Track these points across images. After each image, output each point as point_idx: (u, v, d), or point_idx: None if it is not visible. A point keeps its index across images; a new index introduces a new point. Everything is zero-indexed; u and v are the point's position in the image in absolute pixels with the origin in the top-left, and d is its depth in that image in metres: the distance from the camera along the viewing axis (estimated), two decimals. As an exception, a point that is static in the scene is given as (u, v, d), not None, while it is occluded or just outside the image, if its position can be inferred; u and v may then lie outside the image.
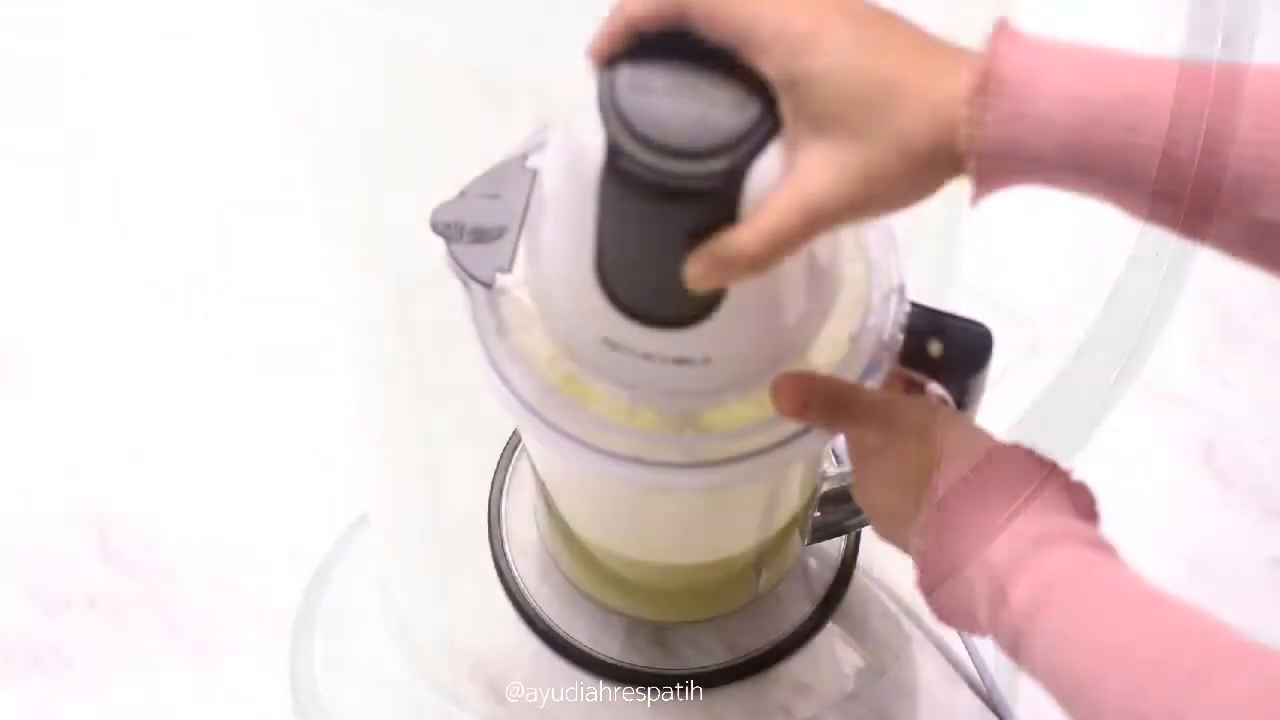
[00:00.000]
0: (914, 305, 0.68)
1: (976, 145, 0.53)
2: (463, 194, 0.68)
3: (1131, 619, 0.53)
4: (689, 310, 0.60)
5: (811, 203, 0.55)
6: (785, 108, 0.55)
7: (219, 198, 1.05)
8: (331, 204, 1.04)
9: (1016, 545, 0.56)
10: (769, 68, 0.54)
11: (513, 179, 0.68)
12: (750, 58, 0.55)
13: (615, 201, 0.56)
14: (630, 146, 0.55)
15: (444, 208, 0.68)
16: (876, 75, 0.54)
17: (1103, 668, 0.52)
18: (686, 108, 0.55)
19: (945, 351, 0.67)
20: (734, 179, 0.55)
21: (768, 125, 0.55)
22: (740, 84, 0.55)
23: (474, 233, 0.67)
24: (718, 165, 0.55)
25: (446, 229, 0.67)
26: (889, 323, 0.67)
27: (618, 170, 0.55)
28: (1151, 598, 0.54)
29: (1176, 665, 0.51)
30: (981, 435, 0.62)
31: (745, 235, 0.55)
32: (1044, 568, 0.56)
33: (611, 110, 0.55)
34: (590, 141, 0.55)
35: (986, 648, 0.86)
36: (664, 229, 0.57)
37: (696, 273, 0.56)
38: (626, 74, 0.55)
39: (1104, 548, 0.57)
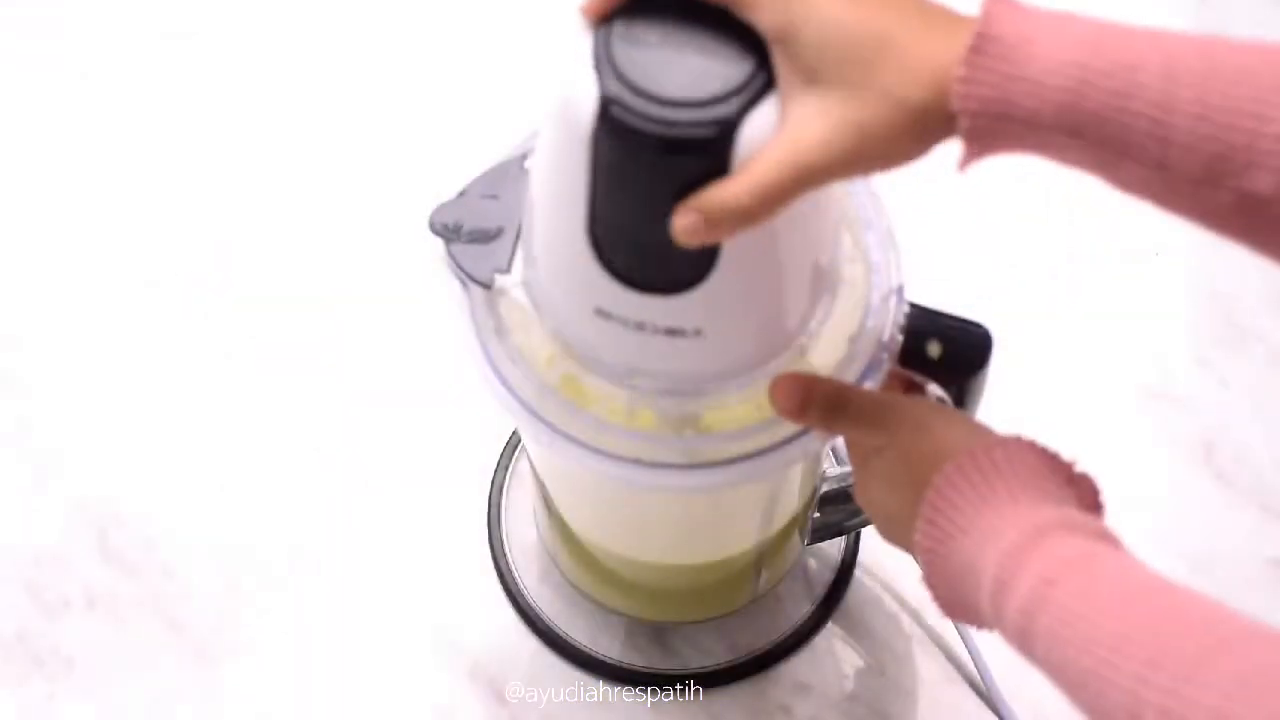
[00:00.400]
0: (913, 306, 0.68)
1: (970, 104, 0.53)
2: (461, 194, 0.68)
3: (1135, 607, 0.53)
4: (681, 273, 0.59)
5: (802, 156, 0.55)
6: (778, 61, 0.55)
7: (219, 197, 1.05)
8: (331, 203, 1.04)
9: (1020, 538, 0.56)
10: (762, 21, 0.55)
11: (511, 179, 0.68)
12: (743, 13, 0.55)
13: (608, 156, 0.56)
14: (624, 97, 0.54)
15: (442, 208, 0.68)
16: (869, 30, 0.54)
17: (1107, 655, 0.52)
18: (681, 59, 0.55)
19: (944, 352, 0.67)
20: (728, 130, 0.55)
21: (762, 79, 0.55)
22: (734, 39, 0.55)
23: (472, 233, 0.67)
24: (712, 114, 0.54)
25: (444, 229, 0.67)
26: (888, 324, 0.67)
27: (611, 122, 0.55)
28: (1155, 585, 0.54)
29: (1180, 650, 0.51)
30: (982, 430, 0.62)
31: (734, 186, 0.55)
32: (1048, 559, 0.56)
33: (606, 62, 0.55)
34: (583, 96, 0.55)
35: (987, 648, 0.86)
36: (655, 183, 0.56)
37: (683, 224, 0.55)
38: (620, 28, 0.56)
39: (1108, 538, 0.57)
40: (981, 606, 0.58)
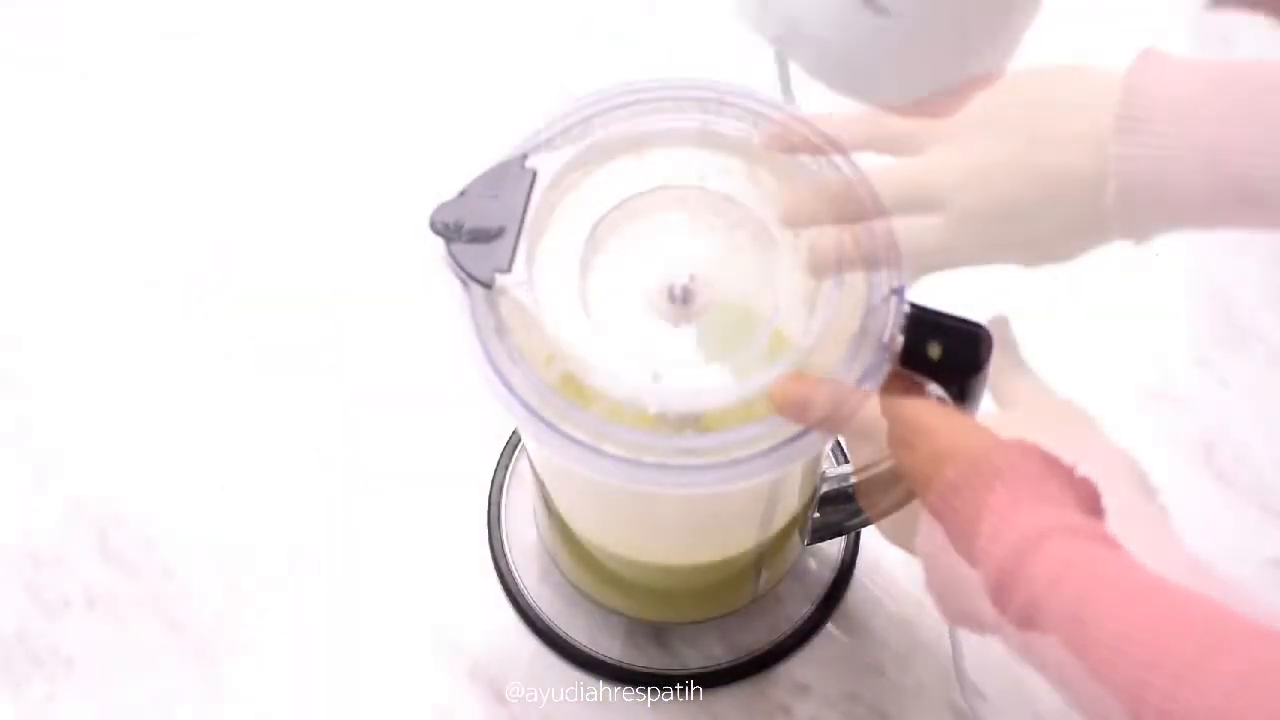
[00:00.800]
0: (913, 306, 0.68)
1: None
2: (462, 194, 0.68)
3: (1134, 608, 0.53)
4: None
5: None
6: None
7: (219, 197, 1.05)
8: (331, 203, 1.05)
9: (1020, 541, 0.56)
10: None
11: (512, 179, 0.68)
12: None
13: None
14: None
15: (443, 208, 0.68)
16: None
17: (1107, 656, 0.52)
18: None
19: (945, 352, 0.67)
20: None
21: None
22: None
23: (472, 233, 0.67)
24: None
25: (445, 229, 0.67)
26: (888, 324, 0.67)
27: None
28: (1155, 586, 0.54)
29: (1179, 650, 0.51)
30: (984, 433, 0.62)
31: None
32: (1048, 562, 0.56)
33: None
34: None
35: (986, 648, 0.86)
36: None
37: None
38: None
39: (1108, 541, 0.57)
40: (983, 610, 0.58)
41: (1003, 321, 0.65)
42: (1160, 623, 0.52)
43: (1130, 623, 0.53)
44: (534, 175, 0.68)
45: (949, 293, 0.71)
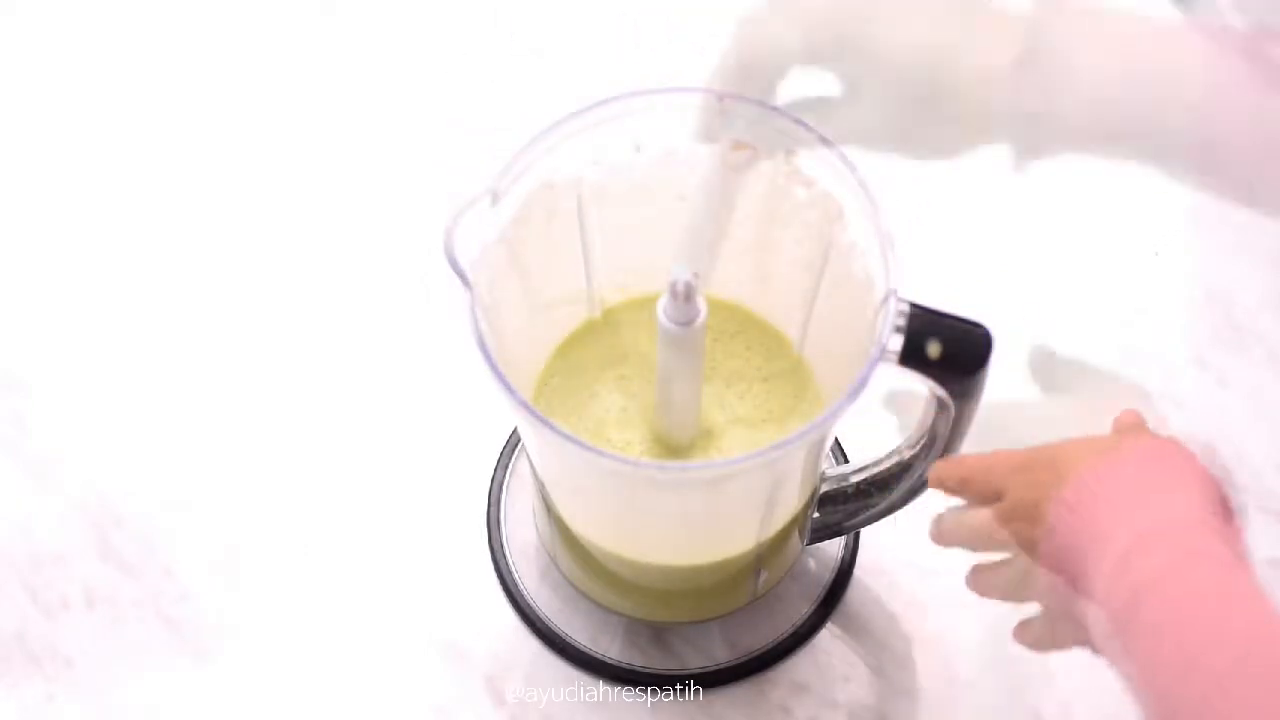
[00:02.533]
0: (913, 306, 0.68)
1: None
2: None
3: (1228, 611, 0.53)
4: None
5: None
6: None
7: (219, 197, 1.05)
8: (332, 203, 1.05)
9: (1157, 522, 0.57)
10: None
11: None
12: None
13: None
14: None
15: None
16: None
17: (1194, 653, 0.52)
18: None
19: (944, 352, 0.68)
20: None
21: None
22: None
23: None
24: None
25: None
26: (886, 324, 0.67)
27: None
28: (1252, 593, 0.55)
29: (1260, 656, 0.51)
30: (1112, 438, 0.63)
31: None
32: (1165, 551, 0.56)
33: None
34: None
35: (982, 651, 0.86)
36: None
37: None
38: None
39: (1229, 550, 0.57)
40: (1095, 573, 0.57)
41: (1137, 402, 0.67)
42: (1252, 627, 0.52)
43: (1223, 625, 0.53)
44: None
45: (949, 292, 0.71)
